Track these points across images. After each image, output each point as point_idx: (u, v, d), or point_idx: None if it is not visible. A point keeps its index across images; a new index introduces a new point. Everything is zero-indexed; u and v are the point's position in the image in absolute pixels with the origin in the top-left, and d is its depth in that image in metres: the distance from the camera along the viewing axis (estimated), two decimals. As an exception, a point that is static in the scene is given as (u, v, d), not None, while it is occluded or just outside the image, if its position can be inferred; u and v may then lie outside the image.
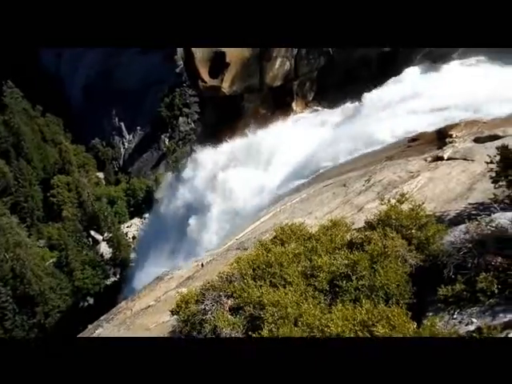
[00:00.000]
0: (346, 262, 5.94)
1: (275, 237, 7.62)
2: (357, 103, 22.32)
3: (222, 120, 24.81)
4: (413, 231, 6.50)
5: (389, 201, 7.03)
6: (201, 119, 27.01)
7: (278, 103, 24.88)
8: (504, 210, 6.65)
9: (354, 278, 5.73)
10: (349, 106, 22.55)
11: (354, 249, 6.34)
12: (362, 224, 8.12)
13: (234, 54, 23.90)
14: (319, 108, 24.45)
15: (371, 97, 21.90)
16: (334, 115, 23.01)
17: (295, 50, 24.32)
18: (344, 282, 5.74)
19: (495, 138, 13.12)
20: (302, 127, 23.29)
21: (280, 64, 24.41)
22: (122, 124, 51.16)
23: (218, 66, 24.01)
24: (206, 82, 24.37)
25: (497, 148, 7.70)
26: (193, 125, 41.25)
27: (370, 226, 6.94)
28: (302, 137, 22.11)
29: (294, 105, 24.89)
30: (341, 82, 23.11)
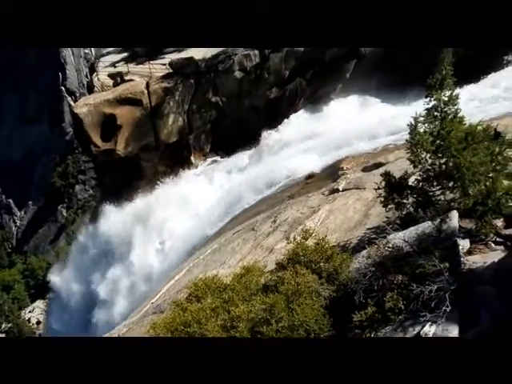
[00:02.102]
0: (263, 306, 5.94)
1: (190, 294, 7.41)
2: (252, 149, 23.20)
3: (122, 182, 24.15)
4: (321, 264, 6.74)
5: (294, 239, 7.25)
6: (99, 184, 25.96)
7: (176, 159, 24.92)
8: (396, 230, 7.19)
9: (273, 321, 5.73)
10: (245, 152, 23.34)
11: (269, 292, 6.37)
12: (274, 265, 8.25)
13: (125, 116, 23.72)
14: (217, 158, 24.95)
15: (265, 142, 22.96)
16: (232, 163, 23.60)
17: (186, 105, 24.85)
18: (264, 327, 5.72)
19: (379, 165, 14.38)
20: (203, 179, 23.49)
21: (173, 120, 24.68)
22: (11, 201, 47.34)
23: (109, 129, 23.57)
24: (99, 147, 23.72)
25: (381, 175, 8.39)
26: (91, 191, 39.55)
27: (281, 266, 7.06)
28: (204, 188, 22.27)
29: (192, 158, 25.11)
30: (234, 131, 23.95)
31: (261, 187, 18.91)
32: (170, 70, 25.29)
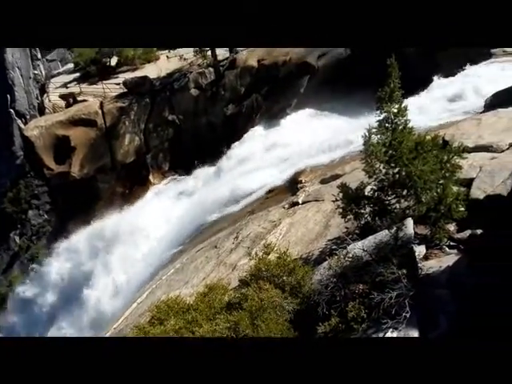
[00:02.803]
0: (228, 324, 5.88)
1: (152, 317, 7.23)
2: (212, 166, 23.15)
3: (78, 205, 23.42)
4: (284, 278, 6.76)
5: (256, 254, 7.24)
6: (54, 209, 25.08)
7: (134, 179, 24.49)
8: (356, 240, 7.34)
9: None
10: (204, 169, 23.25)
11: (233, 310, 6.31)
12: (237, 282, 8.20)
13: (79, 137, 23.19)
14: (177, 176, 24.70)
15: (224, 158, 22.98)
16: (191, 180, 23.44)
17: (142, 125, 24.58)
18: (229, 346, 5.63)
19: (337, 177, 14.67)
20: (163, 198, 23.16)
21: (130, 140, 24.33)
22: (-41, 231, 44.85)
23: (63, 151, 22.94)
24: (52, 170, 23.00)
25: (338, 187, 8.56)
26: (46, 216, 38.06)
27: (244, 283, 7.03)
28: (164, 207, 21.95)
29: (151, 177, 24.75)
30: (192, 149, 23.86)
31: (221, 204, 18.84)
32: (125, 90, 25.00)
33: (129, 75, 26.36)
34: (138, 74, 26.40)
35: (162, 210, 21.63)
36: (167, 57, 28.34)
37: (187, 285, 12.63)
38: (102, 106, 24.39)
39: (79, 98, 25.27)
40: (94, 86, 26.35)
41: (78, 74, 28.78)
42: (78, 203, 23.41)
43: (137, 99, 24.54)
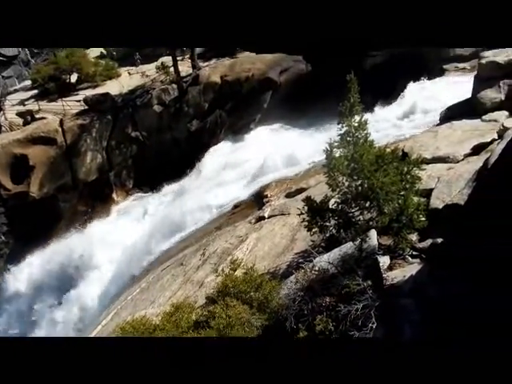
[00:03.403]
0: (195, 344, 5.75)
1: (117, 340, 6.99)
2: (177, 182, 22.94)
3: (37, 226, 22.57)
4: (251, 294, 6.71)
5: (223, 271, 7.17)
6: (11, 230, 24.07)
7: (97, 197, 23.90)
8: (322, 253, 7.40)
9: (206, 358, 5.54)
10: (169, 186, 23.01)
11: (200, 328, 6.20)
12: (204, 300, 8.09)
13: (38, 156, 22.50)
14: (141, 193, 24.31)
15: (189, 174, 22.85)
16: (156, 197, 23.13)
17: (105, 142, 24.14)
18: (197, 366, 5.51)
19: (302, 190, 14.84)
20: (127, 215, 22.71)
21: (91, 158, 23.82)
22: None
23: (21, 170, 22.16)
24: (9, 190, 22.13)
25: (302, 200, 8.64)
26: (3, 238, 36.51)
27: (211, 300, 6.93)
28: (128, 226, 21.50)
29: (114, 195, 24.24)
30: (157, 165, 23.59)
31: (187, 220, 18.64)
32: (85, 107, 24.54)
33: (90, 92, 25.89)
34: (100, 90, 25.98)
35: (126, 229, 21.18)
36: (129, 73, 28.08)
37: (153, 304, 12.35)
38: (62, 123, 23.80)
39: (38, 116, 24.57)
40: (54, 103, 25.71)
41: (36, 91, 28.02)
42: (37, 224, 22.58)
43: (98, 116, 24.12)
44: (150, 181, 24.06)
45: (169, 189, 23.08)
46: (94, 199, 23.98)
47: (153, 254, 18.29)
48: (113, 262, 20.05)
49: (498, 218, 4.38)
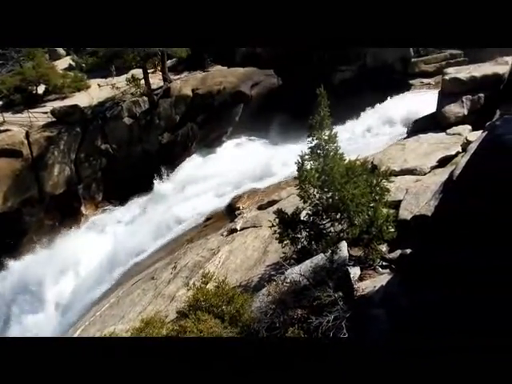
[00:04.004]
0: (166, 360, 5.62)
1: (84, 358, 6.76)
2: (148, 195, 22.64)
3: (2, 241, 21.81)
4: (223, 307, 6.64)
5: (194, 284, 7.08)
6: (-27, 246, 23.15)
7: (64, 211, 23.29)
8: (293, 265, 7.42)
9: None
10: (140, 199, 22.67)
11: (171, 344, 6.07)
12: (176, 314, 7.95)
13: (2, 169, 21.83)
14: (111, 207, 23.84)
15: (160, 187, 22.59)
16: (126, 211, 22.72)
17: (73, 154, 23.65)
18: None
19: (273, 202, 14.90)
20: (94, 230, 22.20)
21: (59, 170, 23.27)
22: None
23: (-16, 183, 21.44)
24: (-28, 204, 21.36)
25: (274, 212, 8.67)
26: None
27: (182, 314, 6.82)
28: (96, 240, 21.01)
29: (83, 209, 23.69)
30: (127, 178, 23.23)
31: (158, 234, 18.38)
32: (53, 119, 24.02)
33: (57, 104, 25.38)
34: (68, 102, 25.50)
35: (95, 242, 20.69)
36: (99, 85, 27.73)
37: (123, 320, 12.05)
38: (28, 135, 23.20)
39: (2, 128, 23.88)
40: (19, 114, 25.06)
41: (0, 103, 27.28)
42: (1, 238, 21.80)
43: (67, 128, 23.64)
44: (120, 194, 23.64)
45: (139, 201, 22.73)
46: (62, 213, 23.36)
47: (122, 268, 17.90)
48: (81, 276, 19.51)
49: (462, 228, 4.51)
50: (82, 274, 19.66)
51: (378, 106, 19.91)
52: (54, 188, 23.20)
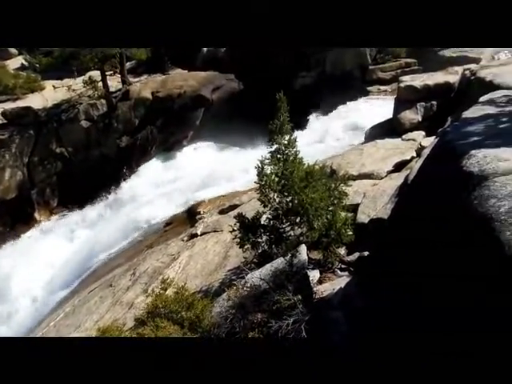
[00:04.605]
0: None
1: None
2: (106, 200, 22.10)
3: None
4: (183, 314, 6.55)
5: (153, 291, 6.95)
6: None
7: (16, 217, 22.33)
8: (254, 269, 7.42)
9: None
10: (98, 204, 22.09)
11: (128, 352, 5.91)
12: (134, 322, 7.77)
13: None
14: (67, 212, 23.07)
15: (119, 191, 22.12)
16: (83, 216, 22.06)
17: (26, 158, 22.76)
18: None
19: (235, 207, 14.87)
20: (50, 236, 21.40)
21: (10, 174, 22.30)
22: None
23: None
24: None
25: (234, 217, 8.65)
26: None
27: (140, 322, 6.67)
28: (53, 246, 20.27)
29: (36, 215, 22.79)
30: (84, 183, 22.58)
31: (116, 240, 17.94)
32: (4, 121, 23.04)
33: (9, 105, 24.35)
34: (20, 104, 24.50)
35: (49, 249, 19.95)
36: (54, 86, 26.83)
37: (79, 329, 11.67)
38: (-24, 137, 22.15)
39: (-51, 130, 22.69)
40: (-32, 116, 23.90)
41: None
42: None
43: (19, 131, 22.72)
44: (76, 199, 22.92)
45: (97, 207, 22.14)
46: (14, 219, 22.40)
47: (79, 276, 17.34)
48: (35, 285, 18.73)
49: (416, 231, 4.65)
50: (35, 282, 18.88)
51: (336, 111, 20.32)
52: (5, 193, 22.22)
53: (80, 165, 23.43)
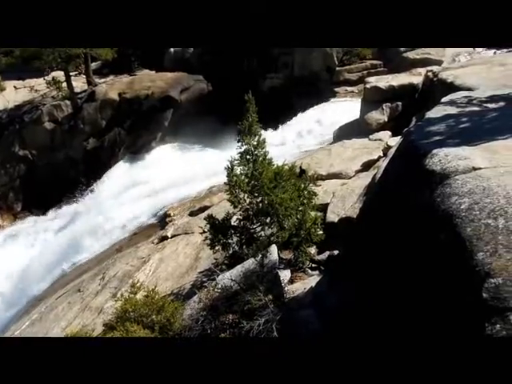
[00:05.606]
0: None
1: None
2: (73, 204, 21.55)
3: None
4: (153, 317, 6.48)
5: (122, 295, 6.83)
6: None
7: (-23, 222, 21.59)
8: (225, 270, 7.41)
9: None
10: (64, 208, 21.52)
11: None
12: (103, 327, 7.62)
13: None
14: (32, 217, 22.38)
15: (86, 194, 21.62)
16: (48, 221, 21.45)
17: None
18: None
19: (205, 208, 14.78)
20: (13, 242, 20.71)
21: (-29, 179, 21.53)
22: None
23: None
24: None
25: (204, 218, 8.62)
26: None
27: (109, 327, 6.55)
28: (16, 252, 19.62)
29: (-1, 220, 22.09)
30: (50, 186, 21.97)
31: (84, 244, 17.53)
32: (-37, 123, 22.21)
33: (-31, 107, 23.50)
34: (-19, 105, 23.70)
35: (13, 256, 19.30)
36: (15, 87, 25.99)
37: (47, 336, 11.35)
38: None
39: None
40: None
41: None
42: None
43: (-20, 133, 21.95)
44: (42, 203, 22.27)
45: (64, 211, 21.56)
46: (-25, 225, 21.59)
47: (46, 282, 16.85)
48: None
49: (383, 229, 4.76)
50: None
51: (304, 112, 20.51)
52: (-35, 198, 21.41)
53: (45, 168, 22.80)
